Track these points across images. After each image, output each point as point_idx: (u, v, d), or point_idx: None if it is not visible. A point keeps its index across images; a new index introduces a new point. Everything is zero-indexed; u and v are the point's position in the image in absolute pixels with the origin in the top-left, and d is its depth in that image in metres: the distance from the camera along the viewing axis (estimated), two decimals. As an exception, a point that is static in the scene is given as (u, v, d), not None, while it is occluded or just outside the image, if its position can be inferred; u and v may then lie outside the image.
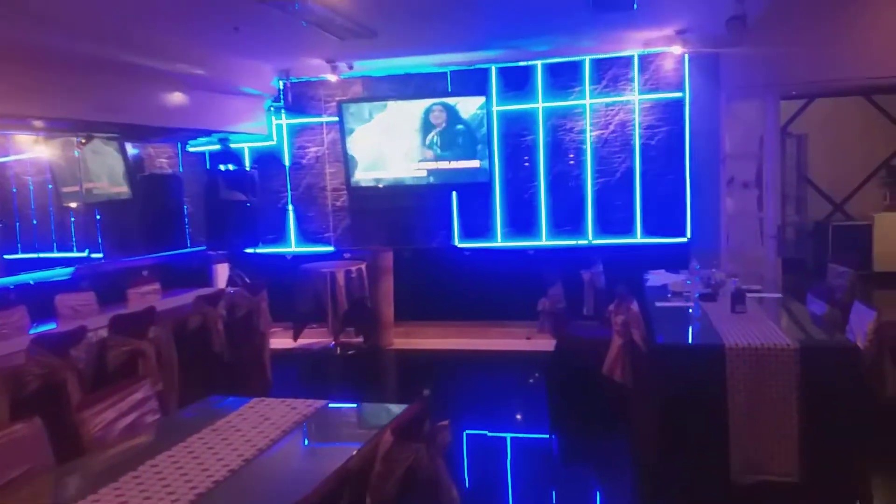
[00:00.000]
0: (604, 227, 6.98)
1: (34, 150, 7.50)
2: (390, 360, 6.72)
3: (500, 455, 4.46)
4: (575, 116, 6.96)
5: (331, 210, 7.56)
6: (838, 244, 9.11)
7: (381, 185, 7.24)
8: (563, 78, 6.94)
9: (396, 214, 7.40)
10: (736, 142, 6.65)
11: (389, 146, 7.18)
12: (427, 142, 7.09)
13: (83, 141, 6.66)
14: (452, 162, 7.08)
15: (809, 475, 3.19)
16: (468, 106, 6.98)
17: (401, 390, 6.16)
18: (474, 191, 7.17)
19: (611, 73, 6.83)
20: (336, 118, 7.27)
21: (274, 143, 7.57)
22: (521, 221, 7.18)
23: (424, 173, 7.15)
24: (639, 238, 6.89)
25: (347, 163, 7.24)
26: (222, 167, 7.05)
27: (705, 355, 3.34)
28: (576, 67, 6.89)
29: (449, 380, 6.05)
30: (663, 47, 6.52)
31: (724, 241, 6.64)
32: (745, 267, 5.93)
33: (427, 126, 7.07)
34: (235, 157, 7.35)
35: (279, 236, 7.65)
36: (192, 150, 7.66)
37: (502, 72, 7.06)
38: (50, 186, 7.87)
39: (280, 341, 6.81)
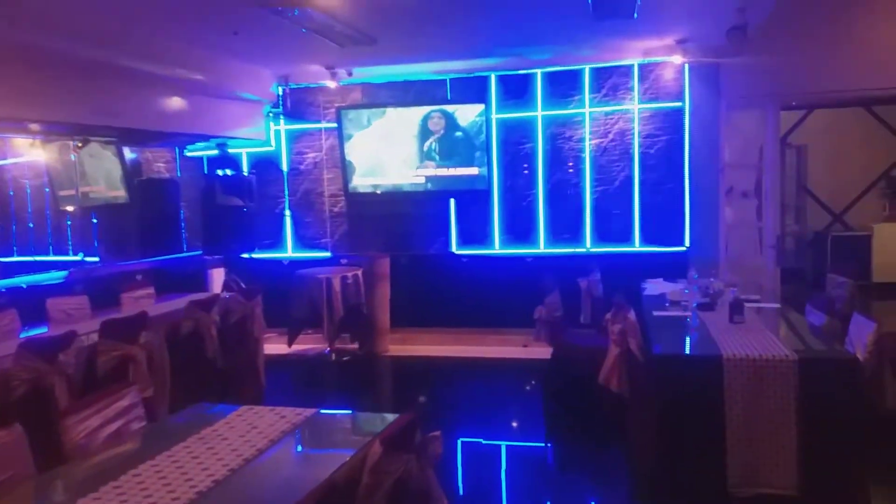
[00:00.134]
0: (602, 236, 6.95)
1: (31, 153, 7.47)
2: (386, 367, 6.67)
3: (496, 463, 4.41)
4: (574, 125, 6.93)
5: (328, 216, 7.53)
6: (837, 254, 9.07)
7: (378, 192, 7.21)
8: (563, 86, 6.92)
9: (394, 221, 7.37)
10: (735, 151, 6.62)
11: (388, 153, 7.15)
12: (425, 148, 7.06)
13: (80, 145, 6.64)
14: (451, 169, 7.05)
15: (808, 488, 3.15)
16: (467, 113, 6.96)
17: (396, 397, 6.12)
18: (472, 198, 7.14)
19: (610, 82, 6.81)
20: (335, 124, 7.24)
21: (272, 148, 7.54)
22: (520, 229, 7.15)
23: (423, 180, 7.12)
24: (637, 246, 6.85)
25: (345, 169, 7.22)
26: (220, 172, 7.02)
27: (703, 366, 3.30)
28: (575, 76, 6.87)
29: (444, 387, 6.00)
30: (663, 56, 6.49)
31: (723, 251, 6.60)
32: (744, 276, 5.88)
33: (425, 133, 7.05)
34: (233, 162, 7.33)
35: (276, 242, 7.61)
36: (190, 154, 7.64)
37: (502, 80, 7.04)
38: (47, 190, 7.84)
39: (275, 347, 6.77)
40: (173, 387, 4.55)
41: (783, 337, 3.59)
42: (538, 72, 6.93)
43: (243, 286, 6.23)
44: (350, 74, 6.88)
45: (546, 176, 7.03)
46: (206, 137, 6.90)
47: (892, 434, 3.15)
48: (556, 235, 7.05)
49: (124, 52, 5.22)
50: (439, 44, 6.04)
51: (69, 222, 7.90)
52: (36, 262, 7.54)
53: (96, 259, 7.42)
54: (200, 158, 7.65)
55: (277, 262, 7.49)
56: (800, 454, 3.17)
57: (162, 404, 4.35)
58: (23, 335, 4.29)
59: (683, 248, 6.73)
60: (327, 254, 7.47)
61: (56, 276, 5.86)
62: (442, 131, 7.01)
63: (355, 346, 6.92)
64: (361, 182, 7.24)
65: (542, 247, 7.08)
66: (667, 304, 4.57)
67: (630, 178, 6.84)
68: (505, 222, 7.17)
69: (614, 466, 4.17)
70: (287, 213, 7.57)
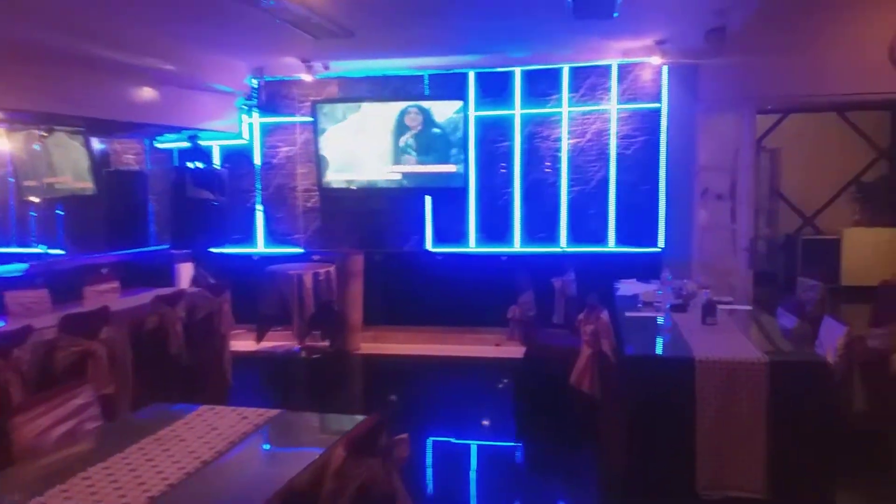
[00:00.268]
0: (577, 235, 6.93)
1: (-6, 141, 7.25)
2: (357, 365, 6.59)
3: (466, 463, 4.37)
4: (552, 124, 6.90)
5: (301, 211, 7.41)
6: (808, 257, 9.19)
7: (353, 187, 7.11)
8: (542, 85, 6.88)
9: (368, 217, 7.27)
10: (711, 154, 6.65)
11: (363, 148, 7.06)
12: (401, 144, 6.98)
13: (45, 134, 6.45)
14: (427, 165, 6.98)
15: (776, 492, 3.15)
16: (444, 110, 6.89)
17: (366, 396, 6.04)
18: (449, 195, 7.08)
19: (589, 82, 6.79)
20: (310, 118, 7.13)
21: (245, 141, 7.40)
22: (495, 227, 7.10)
23: (398, 176, 7.03)
24: (611, 247, 6.85)
25: (319, 163, 7.10)
26: (190, 165, 6.86)
27: (675, 368, 3.29)
28: (554, 75, 6.84)
29: (416, 386, 5.95)
30: (642, 57, 6.49)
31: (697, 252, 6.63)
32: (717, 278, 5.92)
33: (402, 128, 6.97)
34: (204, 154, 7.17)
35: (247, 237, 7.47)
36: (160, 146, 7.47)
37: (480, 77, 6.99)
38: (11, 180, 7.61)
39: (243, 343, 6.65)
40: (136, 384, 4.44)
41: (755, 339, 3.59)
42: (517, 70, 6.89)
43: (212, 281, 6.10)
44: (326, 68, 6.77)
45: (523, 175, 6.99)
46: (177, 129, 6.75)
47: (859, 438, 3.16)
48: (531, 235, 7.02)
49: (92, 39, 5.07)
50: (417, 39, 5.97)
51: (33, 213, 7.67)
52: (-1, 253, 7.32)
53: (61, 251, 7.23)
54: (171, 150, 7.47)
55: (248, 258, 7.35)
56: (768, 457, 3.17)
57: (123, 402, 4.24)
58: (-22, 329, 4.13)
59: (658, 249, 6.74)
60: (299, 250, 7.35)
61: (16, 269, 5.68)
62: (419, 127, 6.94)
63: (326, 343, 6.82)
64: (335, 177, 7.13)
65: (517, 246, 7.04)
66: (640, 305, 4.56)
67: (606, 179, 6.83)
68: (481, 220, 7.12)
69: (585, 467, 4.15)
70: (259, 207, 7.44)
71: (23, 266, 5.75)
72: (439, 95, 6.97)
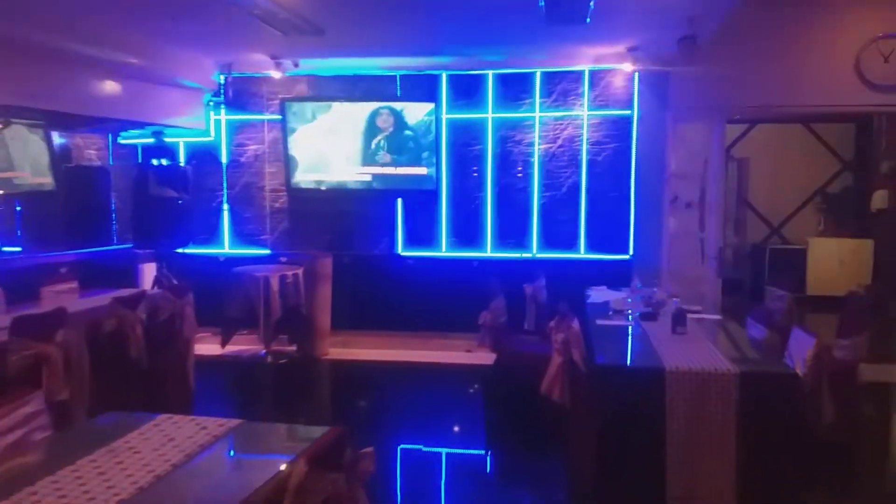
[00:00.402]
0: (548, 241, 6.91)
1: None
2: (324, 371, 6.47)
3: (435, 471, 4.30)
4: (524, 129, 6.88)
5: (269, 211, 7.26)
6: (774, 266, 9.33)
7: (322, 188, 6.99)
8: (514, 89, 6.86)
9: (338, 219, 7.16)
10: (681, 162, 6.69)
11: (332, 149, 6.95)
12: (373, 146, 6.89)
13: (1, 127, 6.21)
14: (398, 168, 6.90)
15: (745, 502, 3.14)
16: (415, 112, 6.82)
17: (334, 403, 5.93)
18: (420, 198, 7.01)
19: (561, 87, 6.78)
20: (279, 116, 7.00)
21: (211, 139, 7.23)
22: (467, 232, 7.05)
23: (369, 177, 6.94)
24: (582, 253, 6.85)
25: (288, 163, 6.97)
26: (155, 161, 6.68)
27: (645, 378, 3.27)
28: (527, 79, 6.82)
29: (385, 392, 5.86)
30: (614, 64, 6.51)
31: (666, 260, 6.66)
32: (686, 286, 5.93)
33: (373, 130, 6.87)
34: (169, 151, 6.99)
35: (212, 237, 7.30)
36: (123, 142, 7.27)
37: (453, 79, 6.93)
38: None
39: (208, 347, 6.49)
40: (94, 389, 4.28)
41: (725, 350, 3.59)
42: (490, 73, 6.85)
43: (175, 282, 5.94)
44: (296, 66, 6.65)
45: (495, 179, 6.96)
46: (140, 125, 6.57)
47: (828, 450, 3.17)
48: (502, 240, 6.99)
49: (53, 30, 4.91)
50: (389, 38, 5.89)
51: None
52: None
53: (18, 249, 6.97)
54: (135, 146, 7.28)
55: (213, 259, 7.18)
56: (738, 468, 3.17)
57: (79, 408, 4.08)
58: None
59: (627, 256, 6.76)
60: (266, 251, 7.21)
61: (-32, 267, 5.45)
62: (390, 129, 6.86)
63: (293, 348, 6.69)
64: (304, 177, 7.01)
65: (488, 251, 7.00)
66: (610, 313, 4.54)
67: (577, 185, 6.83)
68: (452, 225, 7.07)
69: (555, 476, 4.11)
70: (225, 206, 7.27)
71: (-25, 265, 5.52)
72: (411, 97, 6.90)
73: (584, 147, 6.80)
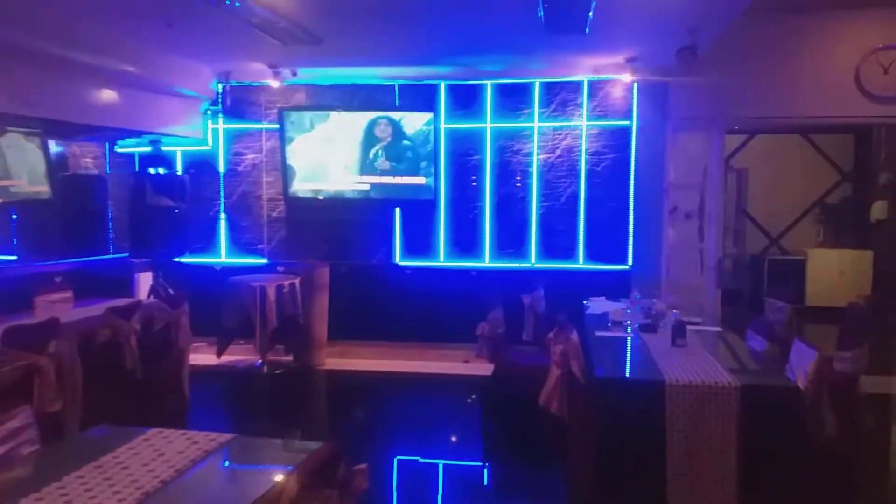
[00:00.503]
0: (547, 251, 6.88)
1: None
2: (321, 381, 6.42)
3: (432, 483, 4.25)
4: (523, 139, 6.86)
5: (266, 221, 7.23)
6: (774, 277, 9.29)
7: (320, 197, 6.96)
8: (513, 99, 6.85)
9: (335, 228, 7.13)
10: (680, 172, 6.67)
11: (330, 158, 6.92)
12: (371, 156, 6.87)
13: (-2, 135, 6.17)
14: (397, 177, 6.87)
15: (746, 518, 3.10)
16: (414, 122, 6.80)
17: (330, 413, 5.88)
18: (418, 208, 6.98)
19: (560, 98, 6.77)
20: (276, 125, 6.98)
21: (209, 147, 7.21)
22: (465, 241, 7.02)
23: (367, 187, 6.91)
24: (581, 263, 6.81)
25: (286, 172, 6.94)
26: (152, 170, 6.64)
27: (645, 391, 3.23)
28: (525, 89, 6.81)
29: (382, 403, 5.81)
30: (613, 74, 6.50)
31: (665, 271, 6.62)
32: (685, 297, 5.90)
33: (371, 139, 6.85)
34: (166, 160, 6.95)
35: (209, 246, 7.26)
36: (120, 150, 7.23)
37: (452, 89, 6.92)
38: (-39, 183, 7.28)
39: (203, 357, 6.44)
40: (87, 401, 4.23)
41: (725, 362, 3.54)
42: (488, 83, 6.84)
43: (171, 292, 5.90)
44: (294, 75, 6.64)
45: (493, 189, 6.93)
46: (138, 133, 6.54)
47: (830, 464, 3.12)
48: (501, 250, 6.95)
49: (50, 38, 4.87)
50: (388, 48, 5.88)
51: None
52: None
53: (13, 258, 6.92)
54: (132, 155, 7.24)
55: (210, 268, 7.14)
56: (739, 482, 3.12)
57: (72, 420, 4.02)
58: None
59: (626, 267, 6.72)
60: (263, 260, 7.17)
61: (-39, 277, 5.41)
62: (389, 139, 6.83)
63: (290, 358, 6.64)
64: (302, 187, 6.98)
65: (487, 261, 6.97)
66: (609, 324, 4.50)
67: (576, 195, 6.81)
68: (451, 234, 7.03)
69: (552, 489, 4.06)
70: (222, 216, 7.24)
71: (-32, 273, 5.48)
72: (410, 106, 6.88)
73: (583, 157, 6.78)
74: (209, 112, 7.06)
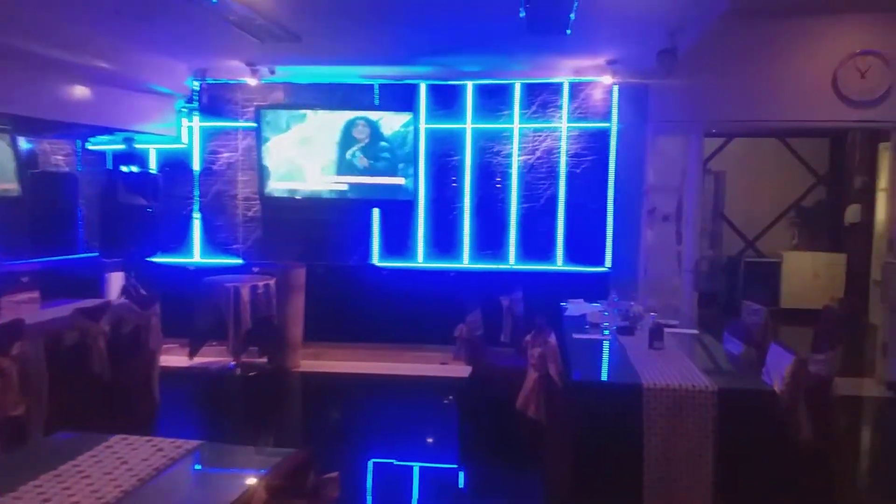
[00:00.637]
0: (526, 253, 6.86)
1: None
2: (296, 383, 6.33)
3: (407, 486, 4.20)
4: (503, 140, 6.84)
5: (241, 220, 7.12)
6: (749, 279, 9.38)
7: (297, 197, 6.87)
8: (494, 100, 6.82)
9: (312, 228, 7.04)
10: (659, 175, 6.68)
11: (307, 159, 6.82)
12: (348, 156, 6.79)
13: (-39, 131, 6.02)
14: (375, 177, 6.80)
15: (722, 522, 3.09)
16: (392, 123, 6.74)
17: (305, 416, 5.80)
18: (397, 208, 6.92)
19: (540, 99, 6.75)
20: (253, 124, 6.87)
21: (184, 146, 7.08)
22: (444, 242, 6.97)
23: (345, 187, 6.83)
24: (560, 265, 6.80)
25: (262, 172, 6.84)
26: (124, 168, 6.51)
27: (622, 394, 3.20)
28: (506, 91, 6.79)
29: (358, 405, 5.74)
30: (593, 76, 6.51)
31: (643, 273, 6.63)
32: (662, 299, 5.91)
33: (348, 140, 6.77)
34: (140, 158, 6.83)
35: (182, 246, 7.13)
36: (92, 148, 7.08)
37: (432, 89, 6.87)
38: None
39: (175, 358, 6.33)
40: (53, 404, 4.11)
41: (702, 366, 3.53)
42: (469, 84, 6.80)
43: (143, 293, 5.77)
44: (272, 73, 6.55)
45: (473, 190, 6.90)
46: (110, 130, 6.41)
47: (805, 467, 3.12)
48: (480, 251, 6.92)
49: (20, 32, 4.74)
50: (367, 46, 5.81)
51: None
52: None
53: (-21, 257, 6.74)
54: (104, 153, 7.09)
55: (183, 268, 7.02)
56: (716, 485, 3.11)
57: (36, 424, 3.91)
58: None
59: (605, 269, 6.72)
60: (238, 261, 7.06)
61: (-78, 276, 5.24)
62: (366, 140, 6.76)
63: (264, 360, 6.54)
64: (278, 186, 6.88)
65: (466, 262, 6.93)
66: (587, 327, 4.48)
67: (555, 197, 6.79)
68: (430, 235, 6.98)
69: (529, 493, 4.03)
70: (196, 215, 7.11)
71: (-70, 273, 5.31)
72: (389, 106, 6.82)
73: (563, 159, 6.77)
74: (184, 110, 6.94)
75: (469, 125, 6.86)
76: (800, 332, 6.91)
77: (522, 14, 4.49)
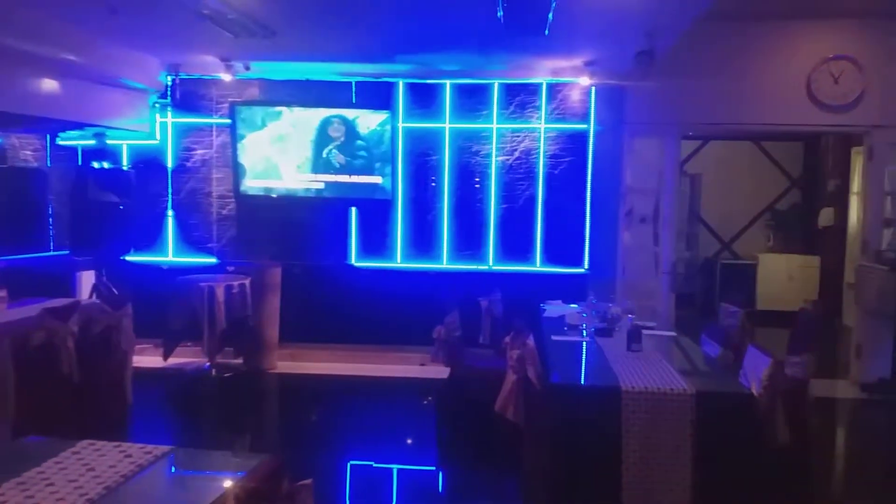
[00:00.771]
0: (505, 254, 6.84)
1: None
2: (272, 385, 6.25)
3: (385, 488, 4.15)
4: (482, 140, 6.81)
5: (216, 219, 6.99)
6: (725, 281, 9.47)
7: (273, 195, 6.77)
8: (472, 100, 6.79)
9: (288, 228, 6.94)
10: (636, 176, 6.71)
11: (282, 156, 6.72)
12: (324, 155, 6.71)
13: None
14: (352, 176, 6.73)
15: (700, 525, 3.09)
16: (368, 121, 6.67)
17: (281, 418, 5.72)
18: (375, 208, 6.86)
19: (519, 100, 6.74)
20: (228, 120, 6.76)
21: (157, 142, 6.95)
22: (423, 243, 6.92)
23: (321, 185, 6.75)
24: (538, 266, 6.80)
25: (237, 170, 6.73)
26: (95, 164, 6.37)
27: (601, 397, 3.19)
28: (485, 90, 6.76)
29: (335, 407, 5.67)
30: (571, 77, 6.51)
31: (621, 274, 6.65)
32: (639, 300, 5.93)
33: (324, 139, 6.69)
34: (111, 154, 6.67)
35: (155, 244, 6.99)
36: (62, 143, 6.91)
37: (410, 88, 6.82)
38: None
39: (149, 359, 6.21)
40: (21, 407, 4.00)
41: (680, 369, 3.54)
42: (447, 83, 6.76)
43: (115, 292, 5.65)
44: (248, 69, 6.45)
45: (452, 190, 6.86)
46: (80, 125, 6.24)
47: (782, 469, 3.14)
48: (459, 251, 6.89)
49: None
50: (343, 43, 5.73)
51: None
52: None
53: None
54: (75, 148, 6.93)
55: (156, 267, 6.88)
56: (693, 488, 3.11)
57: (2, 428, 3.80)
58: None
59: (583, 270, 6.73)
60: (213, 260, 6.94)
61: None
62: (342, 138, 6.69)
63: (239, 361, 6.44)
64: (254, 184, 6.78)
65: (444, 262, 6.89)
66: (565, 328, 4.47)
67: (534, 198, 6.78)
68: (408, 235, 6.93)
69: (508, 495, 4.01)
70: (170, 213, 6.98)
71: None
72: (366, 104, 6.75)
73: (542, 160, 6.76)
74: (157, 105, 6.80)
75: (448, 125, 6.82)
76: (775, 333, 6.99)
77: (500, 14, 4.47)
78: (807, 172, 9.89)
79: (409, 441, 4.94)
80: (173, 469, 2.21)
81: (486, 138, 6.79)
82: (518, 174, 6.79)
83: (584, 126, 6.70)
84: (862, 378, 6.23)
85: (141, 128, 6.70)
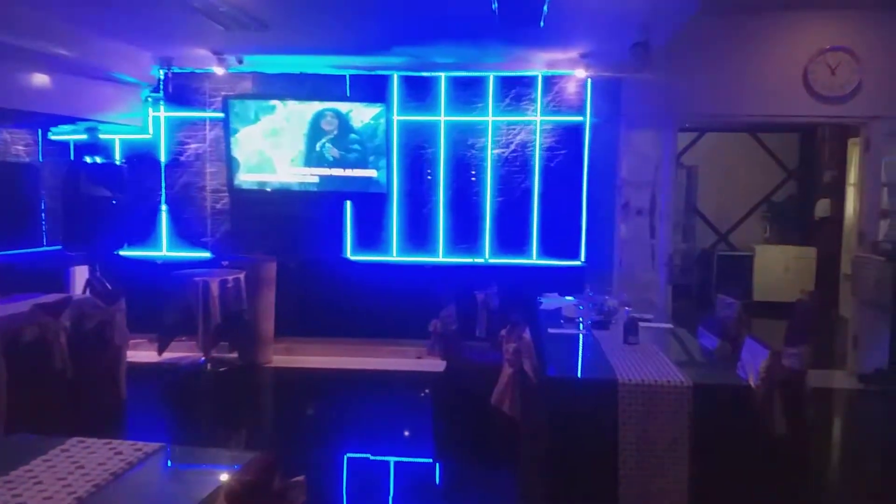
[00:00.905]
0: (501, 247, 6.82)
1: None
2: (267, 379, 6.23)
3: (382, 482, 4.13)
4: (477, 133, 6.77)
5: (210, 213, 6.95)
6: (722, 273, 9.47)
7: (267, 189, 6.72)
8: (467, 93, 6.75)
9: (283, 222, 6.90)
10: (633, 169, 6.68)
11: (276, 150, 6.68)
12: (318, 148, 6.66)
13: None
14: (347, 170, 6.69)
15: (697, 518, 3.07)
16: (362, 114, 6.62)
17: (276, 412, 5.70)
18: (370, 201, 6.82)
19: (514, 92, 6.70)
20: (221, 114, 6.71)
21: (150, 136, 6.89)
22: (419, 236, 6.90)
23: (316, 179, 6.71)
24: (535, 259, 6.77)
25: (230, 164, 6.68)
26: (88, 159, 6.32)
27: (597, 390, 3.17)
28: (480, 83, 6.72)
29: (331, 400, 5.65)
30: (567, 70, 6.47)
31: (618, 266, 6.63)
32: (636, 293, 5.90)
33: (317, 132, 6.64)
34: (104, 149, 6.63)
35: (149, 239, 6.95)
36: (54, 138, 6.85)
37: (405, 80, 6.77)
38: None
39: (144, 354, 6.19)
40: (13, 402, 3.98)
41: (677, 361, 3.51)
42: (442, 75, 6.72)
43: (109, 287, 5.61)
44: (240, 62, 6.39)
45: (447, 183, 6.83)
46: (72, 120, 6.21)
47: (781, 461, 3.12)
48: (455, 245, 6.86)
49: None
50: (336, 35, 5.69)
51: None
52: None
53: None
54: (67, 143, 6.87)
55: (150, 262, 6.84)
56: (691, 481, 3.09)
57: (-6, 424, 3.78)
58: None
59: (580, 263, 6.71)
60: (207, 254, 6.90)
61: None
62: (335, 132, 6.64)
63: (234, 355, 6.41)
64: (248, 178, 6.73)
65: (440, 256, 6.86)
66: (561, 321, 4.45)
67: (530, 191, 6.76)
68: (404, 229, 6.90)
69: (504, 488, 4.00)
70: (163, 207, 6.93)
71: None
72: (360, 97, 6.70)
73: (537, 152, 6.73)
74: (150, 99, 6.75)
75: (443, 117, 6.78)
76: (772, 325, 6.98)
77: (495, 6, 4.43)
78: (803, 164, 9.87)
79: (406, 434, 4.93)
80: (164, 466, 2.18)
81: (482, 131, 6.76)
82: (514, 167, 6.76)
83: (580, 118, 6.67)
84: (859, 369, 6.23)
85: (133, 122, 6.66)
